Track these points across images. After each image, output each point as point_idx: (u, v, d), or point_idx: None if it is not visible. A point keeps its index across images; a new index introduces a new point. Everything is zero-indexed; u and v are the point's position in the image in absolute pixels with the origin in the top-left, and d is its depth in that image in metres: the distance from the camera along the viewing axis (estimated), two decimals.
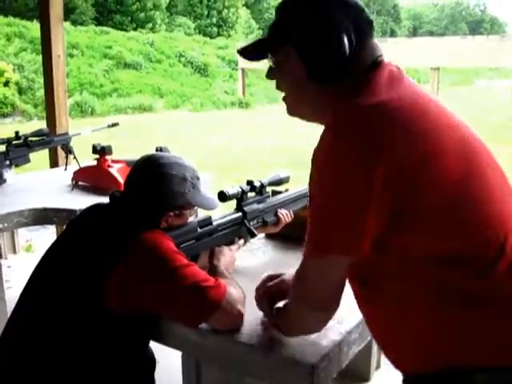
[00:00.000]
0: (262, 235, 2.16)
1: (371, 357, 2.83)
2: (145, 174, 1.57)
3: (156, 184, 1.54)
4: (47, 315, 1.50)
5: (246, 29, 44.38)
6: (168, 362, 1.99)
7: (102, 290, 1.41)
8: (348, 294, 1.64)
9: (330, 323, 1.43)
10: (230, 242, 1.77)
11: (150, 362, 1.97)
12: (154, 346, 1.68)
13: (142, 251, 1.42)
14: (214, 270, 1.60)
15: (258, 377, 1.36)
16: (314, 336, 1.36)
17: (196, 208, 1.65)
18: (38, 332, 1.49)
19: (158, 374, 1.89)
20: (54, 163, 4.36)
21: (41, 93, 19.63)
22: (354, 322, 1.45)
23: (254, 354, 1.34)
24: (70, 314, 1.46)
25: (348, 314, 1.49)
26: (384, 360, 2.97)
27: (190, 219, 1.67)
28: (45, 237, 5.60)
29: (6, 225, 2.66)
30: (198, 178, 1.63)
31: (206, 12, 41.23)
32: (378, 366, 2.93)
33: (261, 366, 1.34)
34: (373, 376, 2.87)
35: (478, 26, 75.03)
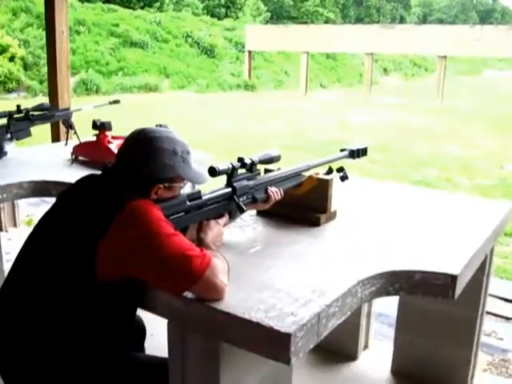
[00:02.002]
0: (253, 212, 2.20)
1: (359, 336, 2.90)
2: (136, 147, 1.61)
3: (147, 156, 1.59)
4: (40, 282, 1.55)
5: (255, 11, 44.06)
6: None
7: (92, 257, 1.46)
8: (330, 268, 1.70)
9: (311, 296, 1.49)
10: (219, 217, 1.81)
11: (139, 331, 2.04)
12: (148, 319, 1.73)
13: (130, 218, 1.47)
14: (200, 243, 1.65)
15: (238, 345, 1.42)
16: (294, 307, 1.42)
17: (186, 182, 1.69)
18: (31, 299, 1.54)
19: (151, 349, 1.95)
20: (55, 138, 4.40)
21: (45, 69, 19.60)
22: (333, 295, 1.50)
23: (235, 323, 1.39)
24: (62, 281, 1.51)
25: (329, 288, 1.54)
26: (372, 340, 3.04)
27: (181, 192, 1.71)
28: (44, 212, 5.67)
29: (5, 195, 2.71)
30: (188, 153, 1.67)
31: None
32: (366, 346, 2.99)
33: (241, 334, 1.39)
34: (360, 355, 2.93)
35: (489, 15, 74.35)
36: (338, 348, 2.84)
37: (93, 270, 1.46)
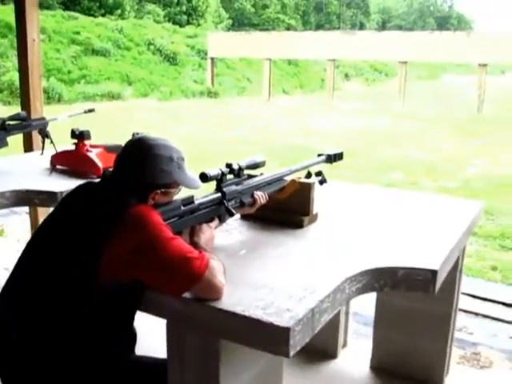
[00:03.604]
0: (237, 216, 2.27)
1: (338, 335, 2.99)
2: (135, 154, 1.67)
3: (145, 163, 1.65)
4: (42, 286, 1.59)
5: (216, 18, 44.21)
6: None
7: (95, 261, 1.52)
8: (317, 267, 1.79)
9: (303, 293, 1.57)
10: (210, 221, 1.88)
11: (133, 337, 2.09)
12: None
13: (132, 223, 1.53)
14: (194, 246, 1.71)
15: (239, 341, 1.49)
16: (289, 303, 1.50)
17: (180, 187, 1.75)
18: (32, 303, 1.58)
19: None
20: (28, 148, 4.39)
21: (6, 77, 19.32)
22: (325, 292, 1.59)
23: (235, 321, 1.46)
24: (64, 285, 1.55)
25: (320, 286, 1.63)
26: (350, 339, 3.13)
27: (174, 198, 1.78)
28: (16, 222, 5.64)
29: None
30: (183, 159, 1.74)
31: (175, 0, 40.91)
32: (344, 345, 3.08)
33: (242, 331, 1.46)
34: (339, 353, 3.02)
35: (446, 21, 75.92)
36: (318, 347, 2.92)
37: (95, 274, 1.51)
